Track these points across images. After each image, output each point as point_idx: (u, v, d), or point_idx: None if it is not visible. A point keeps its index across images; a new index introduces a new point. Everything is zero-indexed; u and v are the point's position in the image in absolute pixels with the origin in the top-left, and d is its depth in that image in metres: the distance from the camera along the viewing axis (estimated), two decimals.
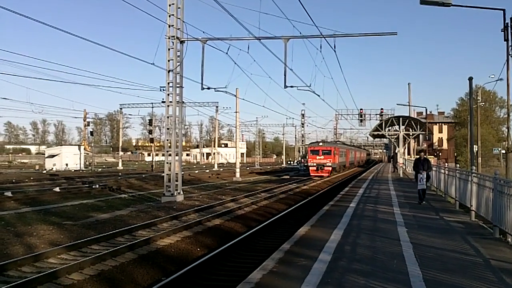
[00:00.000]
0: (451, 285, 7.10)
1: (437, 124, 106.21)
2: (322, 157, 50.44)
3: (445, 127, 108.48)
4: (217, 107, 79.07)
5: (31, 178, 45.69)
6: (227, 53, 24.66)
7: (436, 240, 10.59)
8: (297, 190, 32.85)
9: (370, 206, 17.61)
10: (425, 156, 18.73)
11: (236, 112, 53.88)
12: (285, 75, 25.39)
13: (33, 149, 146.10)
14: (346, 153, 67.87)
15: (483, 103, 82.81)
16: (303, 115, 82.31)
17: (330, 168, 50.52)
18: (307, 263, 8.36)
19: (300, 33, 24.48)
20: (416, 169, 18.40)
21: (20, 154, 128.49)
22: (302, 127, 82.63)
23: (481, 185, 12.92)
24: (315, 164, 50.48)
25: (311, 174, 50.25)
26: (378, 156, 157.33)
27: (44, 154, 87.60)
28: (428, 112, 66.30)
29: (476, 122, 43.81)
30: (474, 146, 26.95)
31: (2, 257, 11.73)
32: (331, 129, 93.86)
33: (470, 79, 19.91)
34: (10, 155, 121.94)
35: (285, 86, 25.68)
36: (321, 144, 53.72)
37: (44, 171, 64.23)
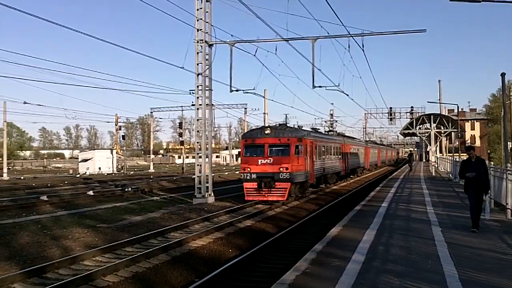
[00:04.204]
0: (489, 285, 6.98)
1: (469, 121, 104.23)
2: (269, 160, 23.38)
3: (477, 124, 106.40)
4: (245, 108, 79.12)
5: (66, 182, 46.59)
6: (255, 55, 24.49)
7: (472, 239, 10.41)
8: (327, 190, 32.65)
9: (402, 206, 17.41)
10: (477, 156, 12.23)
11: (264, 113, 53.96)
12: (313, 75, 25.14)
13: (67, 153, 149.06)
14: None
15: None
16: (331, 115, 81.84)
17: (288, 186, 22.99)
18: (341, 263, 8.32)
19: (328, 33, 24.36)
20: (465, 176, 11.97)
21: (54, 159, 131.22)
22: (331, 126, 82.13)
23: None
24: (254, 176, 23.29)
25: (247, 197, 23.38)
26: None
27: (77, 158, 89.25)
28: (459, 109, 65.13)
29: (510, 118, 42.83)
30: (509, 142, 26.33)
31: (40, 259, 12.01)
32: (361, 128, 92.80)
33: (503, 74, 19.50)
34: (45, 160, 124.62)
35: (313, 86, 25.51)
36: (268, 132, 24.21)
37: (78, 175, 65.41)
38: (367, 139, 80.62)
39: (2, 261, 11.87)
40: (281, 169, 22.74)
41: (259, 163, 23.20)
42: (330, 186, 35.73)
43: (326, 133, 43.37)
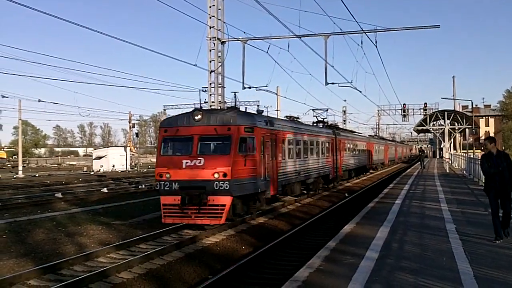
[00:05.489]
0: (504, 282, 6.92)
1: (484, 117, 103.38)
2: (199, 161, 15.41)
3: (491, 120, 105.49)
4: (258, 106, 78.92)
5: (80, 179, 46.97)
6: (267, 52, 24.39)
7: (487, 236, 10.31)
8: (339, 187, 32.56)
9: (416, 203, 17.32)
10: (499, 149, 10.49)
11: (277, 110, 53.92)
12: (326, 72, 25.08)
13: (81, 151, 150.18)
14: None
15: None
16: (344, 111, 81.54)
17: (228, 201, 15.06)
18: (354, 261, 8.31)
19: (341, 29, 24.26)
20: (487, 173, 10.24)
21: (68, 157, 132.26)
22: (344, 123, 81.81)
23: None
24: (175, 186, 15.46)
25: (166, 219, 15.61)
26: None
27: (91, 156, 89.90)
28: (473, 105, 64.53)
29: None
30: None
31: (54, 256, 12.13)
32: (374, 125, 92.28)
33: None
34: (59, 157, 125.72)
35: (326, 83, 25.50)
36: (199, 118, 16.11)
37: (92, 173, 65.89)
38: (374, 134, 74.02)
39: (18, 257, 12.01)
40: (217, 174, 14.91)
41: (184, 166, 15.30)
42: (342, 183, 35.54)
43: (314, 124, 32.70)
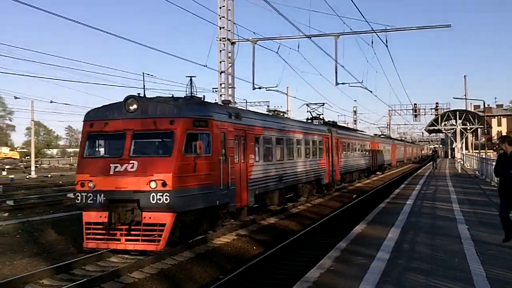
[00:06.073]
0: None
1: (496, 117, 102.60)
2: (132, 165, 11.84)
3: (504, 120, 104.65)
4: (268, 106, 78.89)
5: None
6: (277, 53, 24.43)
7: (499, 237, 10.24)
8: (350, 188, 32.48)
9: (428, 203, 17.24)
10: None
11: (287, 110, 53.82)
12: (336, 72, 25.09)
13: None
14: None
15: None
16: (355, 111, 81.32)
17: (168, 220, 11.49)
18: (365, 261, 8.29)
19: (351, 29, 24.28)
20: (497, 175, 9.91)
21: None
22: (355, 123, 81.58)
23: None
24: (100, 198, 11.87)
25: (87, 243, 11.92)
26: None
27: None
28: (485, 105, 64.06)
29: None
30: None
31: (67, 256, 12.22)
32: (385, 125, 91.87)
33: None
34: (71, 158, 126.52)
35: (337, 83, 25.50)
36: (134, 109, 12.42)
37: None
38: (380, 133, 70.60)
39: (31, 257, 12.14)
40: (154, 183, 11.57)
41: (112, 172, 11.91)
42: (353, 183, 35.32)
43: (309, 120, 29.05)
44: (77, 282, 9.48)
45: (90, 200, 11.91)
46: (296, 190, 22.22)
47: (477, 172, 36.13)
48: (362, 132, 48.56)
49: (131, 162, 11.82)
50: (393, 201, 18.09)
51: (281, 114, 24.07)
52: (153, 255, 11.56)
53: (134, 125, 12.23)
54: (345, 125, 42.67)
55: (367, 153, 41.04)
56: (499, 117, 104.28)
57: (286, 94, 49.81)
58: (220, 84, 24.82)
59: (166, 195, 11.35)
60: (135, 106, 12.33)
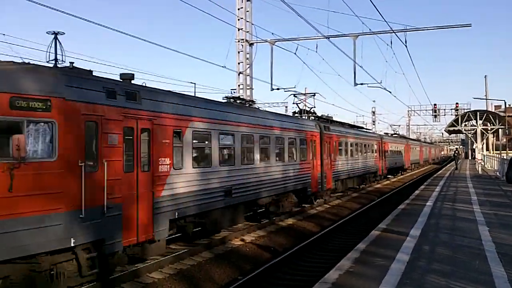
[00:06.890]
0: None
1: None
2: None
3: None
4: (286, 107, 78.94)
5: None
6: (295, 53, 24.50)
7: None
8: (369, 189, 32.29)
9: (448, 205, 17.06)
10: None
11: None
12: (354, 73, 25.03)
13: None
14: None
15: None
16: (373, 112, 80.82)
17: None
18: (385, 263, 8.25)
19: (370, 29, 24.19)
20: (508, 180, 9.12)
21: None
22: (373, 124, 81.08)
23: None
24: None
25: None
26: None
27: None
28: (507, 105, 63.05)
29: None
30: None
31: None
32: (404, 126, 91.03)
33: None
34: None
35: (355, 84, 25.46)
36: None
37: None
38: (393, 132, 62.92)
39: None
40: None
41: None
42: (372, 184, 35.04)
43: (296, 114, 24.57)
44: (97, 282, 9.56)
45: None
46: (258, 206, 16.88)
47: (498, 173, 35.64)
48: (366, 130, 41.85)
49: None
50: (413, 202, 17.94)
51: (249, 103, 18.10)
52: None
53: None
54: (344, 122, 33.52)
55: (374, 154, 35.01)
56: None
57: (304, 94, 49.60)
58: (239, 85, 24.91)
59: None
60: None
